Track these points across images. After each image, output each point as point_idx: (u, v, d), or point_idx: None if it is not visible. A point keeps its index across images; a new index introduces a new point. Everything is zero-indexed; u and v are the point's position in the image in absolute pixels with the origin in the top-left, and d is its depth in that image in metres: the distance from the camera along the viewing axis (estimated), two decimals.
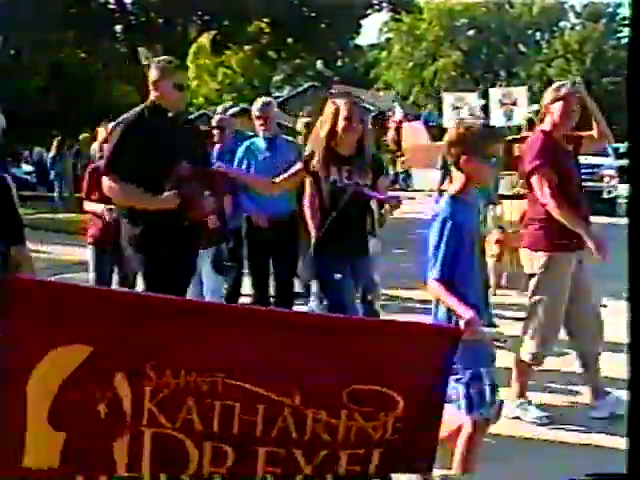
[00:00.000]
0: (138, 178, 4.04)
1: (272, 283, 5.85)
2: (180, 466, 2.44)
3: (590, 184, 16.85)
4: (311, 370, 2.43)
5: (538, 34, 54.50)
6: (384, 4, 27.15)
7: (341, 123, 4.13)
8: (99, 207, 5.27)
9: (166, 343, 2.39)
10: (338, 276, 4.12)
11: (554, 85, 4.53)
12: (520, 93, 20.30)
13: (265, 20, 24.01)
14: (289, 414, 2.42)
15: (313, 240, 4.26)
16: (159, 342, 2.38)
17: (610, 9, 51.50)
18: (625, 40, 43.70)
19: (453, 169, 3.17)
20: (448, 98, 19.65)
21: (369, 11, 27.15)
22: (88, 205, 5.51)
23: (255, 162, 5.71)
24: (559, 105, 4.32)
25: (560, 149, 4.36)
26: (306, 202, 4.30)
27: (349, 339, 2.46)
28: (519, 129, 20.98)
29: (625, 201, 15.26)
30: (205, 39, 24.17)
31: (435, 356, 2.54)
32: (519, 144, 20.02)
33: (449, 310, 3.02)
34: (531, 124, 21.88)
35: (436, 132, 13.95)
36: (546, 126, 4.38)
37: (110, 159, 4.18)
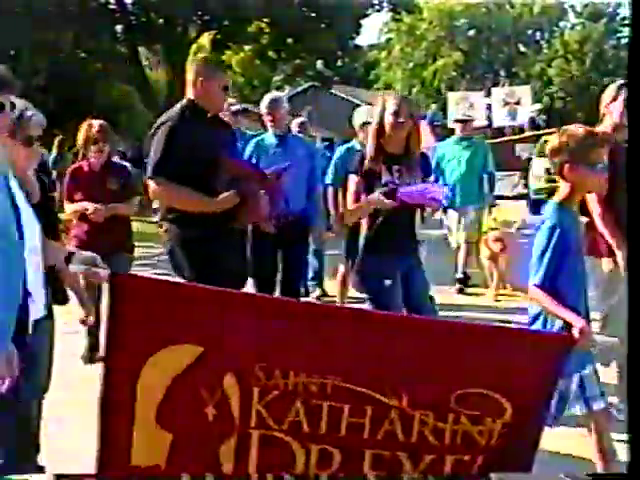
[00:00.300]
0: (187, 180, 3.88)
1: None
2: (286, 468, 2.41)
3: None
4: (420, 372, 2.39)
5: (538, 34, 54.43)
6: (384, 4, 27.13)
7: (388, 119, 3.96)
8: (88, 205, 5.10)
9: (275, 344, 2.36)
10: (388, 282, 3.93)
11: (612, 84, 4.36)
12: (524, 92, 20.19)
13: (265, 20, 23.98)
14: (396, 416, 2.38)
15: (361, 244, 4.11)
16: (268, 343, 2.36)
17: (610, 9, 51.47)
18: (625, 40, 43.69)
19: (558, 178, 3.10)
20: (453, 97, 19.52)
21: (369, 11, 27.12)
22: (70, 206, 5.28)
23: (265, 158, 5.64)
24: (619, 104, 4.17)
25: (620, 150, 4.26)
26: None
27: (460, 342, 2.41)
28: (521, 129, 20.94)
29: None
30: (205, 39, 24.15)
31: (546, 363, 2.48)
32: (521, 144, 19.74)
33: (547, 317, 2.98)
34: (534, 124, 21.71)
35: (439, 132, 13.87)
36: (606, 127, 4.23)
37: (157, 162, 3.95)
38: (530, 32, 54.33)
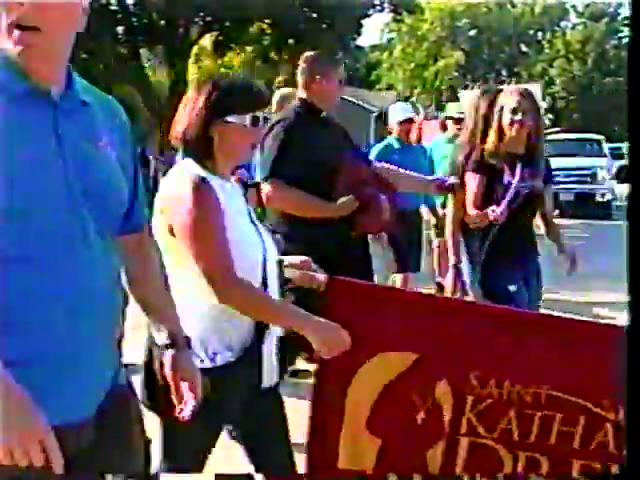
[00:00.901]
0: (304, 184, 3.57)
1: None
2: (493, 475, 2.39)
3: (583, 186, 16.63)
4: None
5: (540, 34, 54.48)
6: (385, 5, 27.12)
7: (507, 116, 3.75)
8: None
9: (491, 353, 2.35)
10: (513, 288, 3.72)
11: None
12: (533, 90, 20.05)
13: (266, 21, 24.00)
14: (611, 428, 2.32)
15: (482, 252, 3.85)
16: (484, 351, 2.34)
17: (612, 9, 51.51)
18: (627, 40, 43.66)
19: None
20: (466, 96, 19.22)
21: (370, 12, 27.12)
22: None
23: None
24: None
25: None
26: (471, 207, 3.81)
27: None
28: None
29: (622, 203, 15.01)
30: (207, 40, 24.19)
31: None
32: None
33: None
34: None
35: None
36: None
37: (273, 163, 3.61)
38: (532, 32, 54.39)
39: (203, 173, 2.25)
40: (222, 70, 26.79)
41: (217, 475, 2.31)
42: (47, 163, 1.57)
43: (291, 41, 24.79)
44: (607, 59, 48.92)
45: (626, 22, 46.09)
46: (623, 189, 16.18)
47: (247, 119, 2.28)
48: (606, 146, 18.49)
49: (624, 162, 19.64)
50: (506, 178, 3.74)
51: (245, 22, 23.16)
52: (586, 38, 50.18)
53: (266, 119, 2.39)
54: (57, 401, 1.58)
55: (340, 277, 2.41)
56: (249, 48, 26.18)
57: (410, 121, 6.81)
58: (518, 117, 3.73)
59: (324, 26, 24.26)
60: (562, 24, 54.66)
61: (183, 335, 1.98)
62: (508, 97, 3.78)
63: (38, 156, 1.56)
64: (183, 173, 2.25)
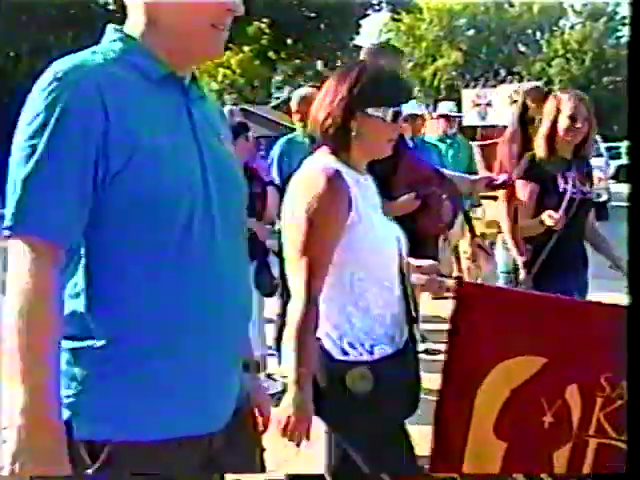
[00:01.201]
0: None
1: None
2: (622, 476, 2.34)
3: None
4: None
5: (538, 33, 54.49)
6: (383, 4, 27.14)
7: (563, 122, 3.63)
8: None
9: (621, 354, 2.24)
10: None
11: None
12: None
13: (265, 21, 24.01)
14: None
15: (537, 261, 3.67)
16: (614, 353, 2.26)
17: (610, 8, 51.53)
18: (625, 39, 43.68)
19: None
20: (468, 95, 18.98)
21: (369, 11, 27.15)
22: None
23: (298, 160, 5.18)
24: None
25: None
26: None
27: None
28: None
29: (619, 204, 14.88)
30: None
31: None
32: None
33: None
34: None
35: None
36: None
37: None
38: (530, 31, 54.41)
39: (337, 165, 2.16)
40: (220, 70, 26.80)
41: (289, 476, 2.24)
42: (187, 149, 1.55)
43: (289, 41, 24.81)
44: (605, 58, 48.92)
45: (624, 21, 46.12)
46: (621, 189, 16.03)
47: (389, 113, 2.18)
48: (602, 146, 18.33)
49: (622, 162, 19.62)
50: (561, 185, 3.60)
51: (243, 22, 23.16)
52: (584, 38, 50.20)
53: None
54: (201, 416, 1.56)
55: (469, 281, 2.36)
56: (247, 47, 26.18)
57: (417, 117, 6.74)
58: (578, 125, 3.61)
59: (322, 26, 24.27)
60: (560, 24, 54.66)
61: (254, 359, 1.89)
62: (565, 102, 3.67)
63: (178, 141, 1.54)
64: (317, 163, 2.18)
